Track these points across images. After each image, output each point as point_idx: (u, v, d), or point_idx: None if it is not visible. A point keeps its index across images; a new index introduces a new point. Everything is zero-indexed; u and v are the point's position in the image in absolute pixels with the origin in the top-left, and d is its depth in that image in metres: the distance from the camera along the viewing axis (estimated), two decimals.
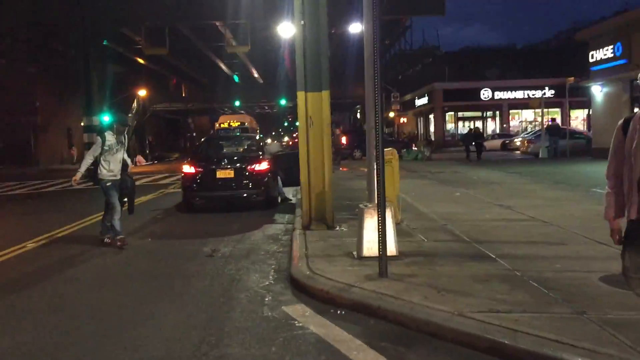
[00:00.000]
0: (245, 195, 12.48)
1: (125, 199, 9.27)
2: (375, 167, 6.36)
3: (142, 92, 44.47)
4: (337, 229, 9.15)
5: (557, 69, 40.71)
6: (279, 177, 13.59)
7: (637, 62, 22.29)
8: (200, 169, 12.43)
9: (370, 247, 6.87)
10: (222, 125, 44.55)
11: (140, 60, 38.66)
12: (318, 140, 9.19)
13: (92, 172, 9.12)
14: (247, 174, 12.33)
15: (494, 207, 11.55)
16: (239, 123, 45.07)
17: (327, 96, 9.22)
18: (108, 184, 8.84)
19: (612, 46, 24.19)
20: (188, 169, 12.55)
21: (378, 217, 6.15)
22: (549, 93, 43.45)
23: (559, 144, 28.56)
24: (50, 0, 23.65)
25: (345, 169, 24.12)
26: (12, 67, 36.77)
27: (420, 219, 10.13)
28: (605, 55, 24.82)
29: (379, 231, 6.14)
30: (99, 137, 8.88)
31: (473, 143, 29.57)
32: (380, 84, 6.25)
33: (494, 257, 7.08)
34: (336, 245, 7.90)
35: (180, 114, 58.83)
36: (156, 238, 9.89)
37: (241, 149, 14.13)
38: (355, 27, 21.70)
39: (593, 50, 25.93)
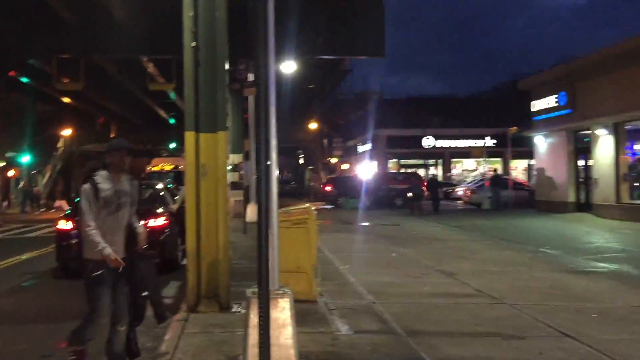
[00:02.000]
0: None
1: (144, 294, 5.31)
2: (263, 240, 4.34)
3: (66, 132, 41.50)
4: (234, 309, 7.04)
5: (499, 119, 40.33)
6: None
7: (582, 111, 21.40)
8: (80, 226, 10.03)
9: (257, 353, 4.79)
10: (154, 169, 42.01)
11: (65, 99, 36.00)
12: (212, 193, 7.15)
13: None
14: None
15: (434, 275, 9.72)
16: (172, 166, 42.62)
17: (224, 138, 7.25)
18: (98, 273, 4.91)
19: (555, 95, 23.34)
20: (63, 225, 10.20)
21: (260, 321, 4.11)
22: (490, 142, 43.04)
23: (501, 195, 27.47)
24: None
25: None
26: None
27: (343, 293, 8.15)
28: (548, 104, 23.95)
29: (260, 340, 4.10)
30: (86, 186, 4.89)
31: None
32: (267, 135, 4.37)
33: None
34: (221, 341, 5.77)
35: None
36: (27, 303, 7.51)
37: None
38: (288, 66, 20.00)
39: (535, 99, 25.10)
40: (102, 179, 4.93)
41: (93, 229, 4.80)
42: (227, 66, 7.62)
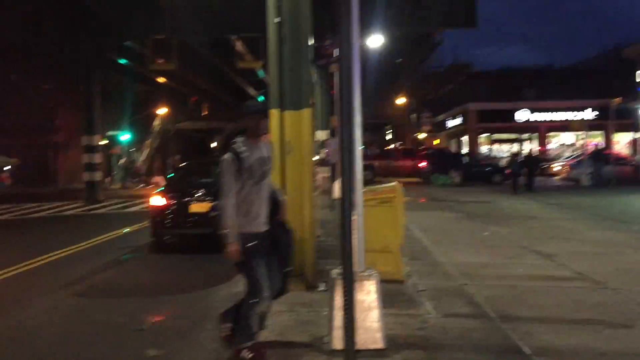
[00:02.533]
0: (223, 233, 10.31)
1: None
2: (347, 222, 4.18)
3: (162, 111, 43.16)
4: (320, 288, 6.97)
5: (601, 90, 37.86)
6: None
7: None
8: (171, 202, 10.30)
9: (342, 335, 4.67)
10: None
11: (160, 79, 37.35)
12: (297, 171, 7.08)
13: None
14: None
15: (530, 256, 9.22)
16: None
17: (309, 115, 7.12)
18: (251, 245, 4.49)
19: None
20: (156, 201, 10.44)
21: (344, 304, 3.97)
22: (591, 115, 40.58)
23: (602, 171, 25.85)
24: (53, 12, 22.25)
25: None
26: (27, 84, 35.82)
27: (433, 274, 7.88)
28: None
29: (345, 324, 3.97)
30: (227, 156, 4.38)
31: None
32: (353, 108, 4.18)
33: (527, 352, 4.82)
34: (307, 321, 5.71)
35: (206, 133, 57.53)
36: (94, 293, 7.84)
37: None
38: (375, 40, 19.57)
39: None
40: (243, 146, 4.41)
41: (230, 205, 4.36)
42: (311, 42, 7.47)
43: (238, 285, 7.83)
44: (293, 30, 7.04)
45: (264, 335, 5.22)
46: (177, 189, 10.69)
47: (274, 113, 7.08)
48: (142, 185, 37.87)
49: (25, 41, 24.04)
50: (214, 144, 64.23)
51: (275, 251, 4.63)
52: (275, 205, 4.68)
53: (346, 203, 4.05)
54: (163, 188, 11.05)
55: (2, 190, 26.01)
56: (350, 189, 4.12)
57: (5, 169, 36.81)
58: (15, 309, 6.97)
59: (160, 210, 10.35)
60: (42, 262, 9.93)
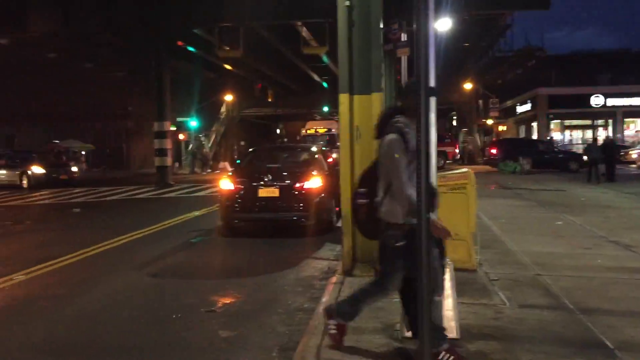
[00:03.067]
0: (291, 218, 10.48)
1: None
2: (422, 207, 4.07)
3: (228, 97, 43.88)
4: None
5: None
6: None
7: None
8: (240, 186, 10.49)
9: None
10: (308, 132, 43.13)
11: (226, 66, 37.94)
12: (367, 157, 6.97)
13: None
14: (294, 192, 10.31)
15: (607, 246, 8.82)
16: (325, 129, 43.44)
17: (379, 100, 7.02)
18: (402, 244, 4.14)
19: None
20: (226, 185, 10.66)
21: (419, 287, 3.87)
22: None
23: None
24: (122, 2, 22.94)
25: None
26: (101, 72, 37.20)
27: (505, 263, 7.65)
28: None
29: (419, 311, 3.87)
30: (393, 136, 4.11)
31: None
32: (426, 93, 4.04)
33: (610, 346, 4.60)
34: (378, 307, 5.62)
35: (270, 119, 58.13)
36: (166, 274, 8.05)
37: (292, 163, 11.98)
38: (443, 24, 19.12)
39: None
40: (407, 127, 4.07)
41: (409, 188, 3.93)
42: (381, 25, 7.35)
43: (306, 270, 7.90)
44: (363, 13, 6.94)
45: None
46: (246, 174, 10.88)
47: (344, 97, 7.03)
48: (209, 170, 38.72)
49: (98, 30, 24.90)
50: (277, 131, 64.96)
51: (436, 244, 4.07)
52: (432, 195, 3.98)
53: (422, 189, 3.94)
54: (232, 173, 11.24)
55: (79, 174, 27.14)
56: (426, 175, 4.00)
57: (82, 153, 38.43)
58: (95, 286, 7.25)
59: (230, 194, 10.55)
60: (117, 243, 10.30)
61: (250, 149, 13.98)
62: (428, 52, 4.24)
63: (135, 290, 7.12)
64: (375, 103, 6.97)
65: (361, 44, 7.00)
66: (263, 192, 10.30)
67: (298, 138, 51.07)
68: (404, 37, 18.10)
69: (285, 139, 65.19)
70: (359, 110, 7.01)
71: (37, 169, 24.98)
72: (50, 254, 9.23)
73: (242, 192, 10.46)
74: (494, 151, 30.72)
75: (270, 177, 10.40)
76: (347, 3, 6.92)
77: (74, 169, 27.00)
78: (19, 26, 24.05)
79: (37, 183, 24.49)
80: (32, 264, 8.52)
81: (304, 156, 12.26)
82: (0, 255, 9.40)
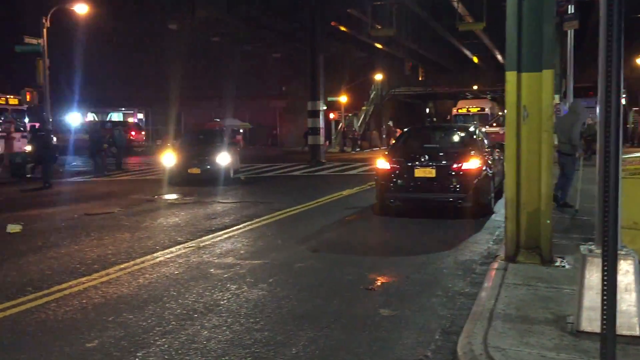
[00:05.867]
0: (448, 199, 10.32)
1: None
2: (610, 194, 3.76)
3: (378, 77, 43.90)
4: (557, 264, 6.51)
5: None
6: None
7: None
8: (396, 166, 10.48)
9: (593, 317, 4.30)
10: (459, 111, 41.96)
11: (377, 45, 37.90)
12: (534, 139, 6.61)
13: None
14: (451, 173, 10.13)
15: None
16: (478, 109, 41.95)
17: (550, 78, 6.57)
18: None
19: None
20: (382, 164, 10.71)
21: (603, 276, 3.59)
22: None
23: None
24: None
25: None
26: (259, 54, 38.98)
27: None
28: None
29: (602, 300, 3.60)
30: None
31: None
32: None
33: None
34: (546, 297, 5.36)
35: (419, 98, 57.31)
36: (325, 249, 8.27)
37: (448, 143, 11.75)
38: None
39: None
40: None
41: None
42: None
43: (464, 254, 7.72)
44: None
45: (499, 308, 5.04)
46: (401, 154, 10.87)
47: (511, 75, 6.66)
48: (357, 149, 39.19)
49: (258, 14, 26.02)
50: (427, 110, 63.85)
51: None
52: None
53: (610, 174, 3.64)
54: (388, 152, 11.34)
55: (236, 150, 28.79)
56: (615, 159, 3.68)
57: (240, 131, 40.71)
58: (261, 258, 7.65)
59: (386, 173, 10.61)
60: (276, 218, 10.79)
61: (405, 129, 13.92)
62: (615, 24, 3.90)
63: (300, 264, 7.40)
64: (546, 81, 6.53)
65: (531, 17, 6.57)
66: (419, 172, 10.24)
67: (448, 117, 49.88)
68: (570, 9, 16.84)
69: (435, 119, 64.01)
70: (527, 89, 6.61)
71: None
72: (219, 225, 9.91)
73: (397, 171, 10.46)
74: None
75: (427, 157, 10.30)
76: None
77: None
78: (188, 12, 25.86)
79: None
80: (203, 233, 9.21)
81: (462, 136, 11.98)
82: (175, 225, 10.24)
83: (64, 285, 6.43)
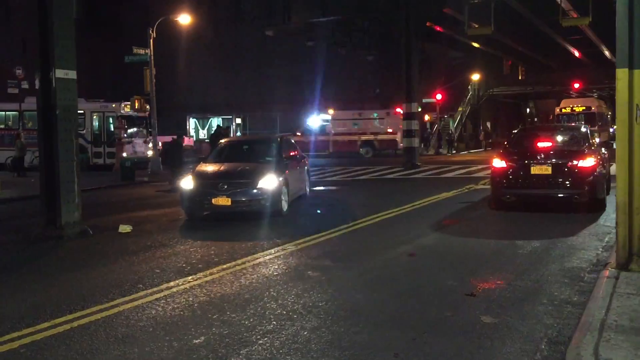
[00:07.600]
0: (563, 195, 10.80)
1: None
2: None
3: (475, 77, 42.83)
4: None
5: None
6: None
7: None
8: (511, 164, 11.10)
9: None
10: (563, 110, 40.14)
11: (474, 44, 36.97)
12: None
13: None
14: (567, 170, 10.67)
15: None
16: (583, 108, 39.95)
17: None
18: None
19: None
20: (498, 162, 11.30)
21: None
22: None
23: None
24: None
25: None
26: (353, 57, 39.14)
27: None
28: None
29: None
30: None
31: None
32: None
33: None
34: None
35: (519, 97, 55.32)
36: (424, 254, 8.14)
37: (562, 142, 12.09)
38: None
39: None
40: None
41: None
42: None
43: (571, 261, 7.37)
44: None
45: (611, 318, 4.77)
46: (517, 153, 11.38)
47: (622, 72, 6.30)
48: (453, 151, 38.40)
49: (353, 16, 26.16)
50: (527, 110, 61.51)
51: None
52: None
53: None
54: (502, 151, 11.77)
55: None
56: None
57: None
58: (358, 260, 7.68)
59: (502, 171, 11.13)
60: (373, 220, 10.79)
61: (516, 130, 14.48)
62: None
63: (397, 267, 7.36)
64: None
65: None
66: (536, 170, 10.77)
67: (551, 117, 47.77)
68: None
69: (536, 119, 61.50)
70: None
71: None
72: (311, 230, 10.04)
73: (513, 169, 11.00)
74: None
75: (543, 156, 10.88)
76: None
77: None
78: (284, 18, 26.44)
79: None
80: (299, 236, 9.35)
81: (574, 135, 12.31)
82: (274, 225, 10.49)
83: (171, 284, 6.77)
